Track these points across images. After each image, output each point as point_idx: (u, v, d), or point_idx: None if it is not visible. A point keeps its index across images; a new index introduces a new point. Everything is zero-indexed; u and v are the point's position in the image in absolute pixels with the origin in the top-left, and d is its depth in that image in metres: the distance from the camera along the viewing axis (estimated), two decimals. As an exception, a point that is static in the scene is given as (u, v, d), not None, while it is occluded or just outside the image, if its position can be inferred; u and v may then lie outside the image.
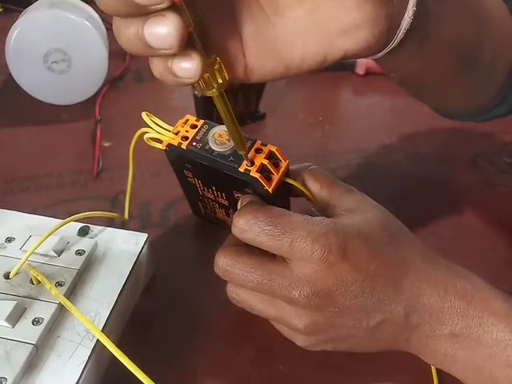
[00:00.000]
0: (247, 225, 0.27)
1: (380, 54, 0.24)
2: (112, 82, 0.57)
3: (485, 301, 0.27)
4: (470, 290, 0.27)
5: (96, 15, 0.56)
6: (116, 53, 0.60)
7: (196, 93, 0.50)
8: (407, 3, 0.23)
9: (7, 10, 0.73)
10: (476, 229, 0.43)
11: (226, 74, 0.22)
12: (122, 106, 0.54)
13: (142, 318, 0.34)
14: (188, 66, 0.20)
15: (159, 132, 0.31)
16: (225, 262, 0.28)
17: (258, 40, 0.23)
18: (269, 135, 0.52)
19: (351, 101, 0.61)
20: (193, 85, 0.22)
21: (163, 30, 0.18)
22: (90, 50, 0.52)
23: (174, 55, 0.20)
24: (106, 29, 0.57)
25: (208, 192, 0.35)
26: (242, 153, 0.28)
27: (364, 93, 0.61)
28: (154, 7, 0.18)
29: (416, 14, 0.23)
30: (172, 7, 0.18)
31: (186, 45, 0.19)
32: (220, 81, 0.22)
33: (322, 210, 0.31)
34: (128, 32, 0.19)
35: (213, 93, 0.23)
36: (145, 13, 0.18)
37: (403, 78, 0.32)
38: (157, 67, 0.21)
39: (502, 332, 0.26)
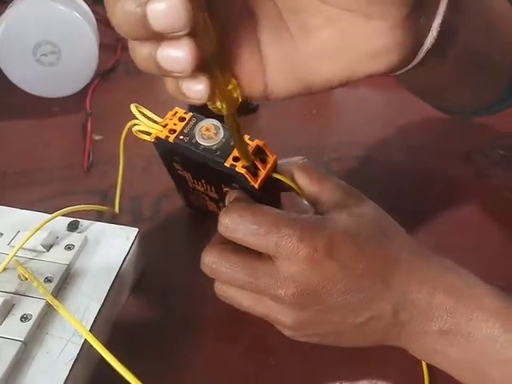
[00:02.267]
0: (233, 224, 0.27)
1: (398, 72, 0.24)
2: (103, 75, 0.56)
3: (475, 297, 0.27)
4: (461, 286, 0.27)
5: (86, 7, 0.56)
6: (107, 45, 0.59)
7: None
8: (432, 23, 0.22)
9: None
10: (471, 222, 0.43)
11: (239, 95, 0.22)
12: (113, 99, 0.53)
13: (133, 314, 0.34)
14: (196, 89, 0.20)
15: (147, 125, 0.31)
16: (211, 261, 0.28)
17: (280, 60, 0.22)
18: (262, 128, 0.52)
19: (345, 94, 0.60)
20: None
21: (177, 54, 0.18)
22: (80, 42, 0.51)
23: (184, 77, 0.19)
24: (97, 20, 0.56)
25: (198, 185, 0.35)
26: (247, 164, 0.28)
27: (358, 85, 0.61)
28: (172, 34, 0.17)
29: (439, 33, 0.22)
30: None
31: (200, 66, 0.19)
32: (233, 102, 0.22)
33: (312, 204, 0.31)
34: (142, 53, 0.19)
35: (223, 112, 0.22)
36: (162, 38, 0.18)
37: (414, 86, 0.32)
38: (169, 85, 0.21)
39: (491, 328, 0.26)
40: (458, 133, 0.52)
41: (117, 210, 0.39)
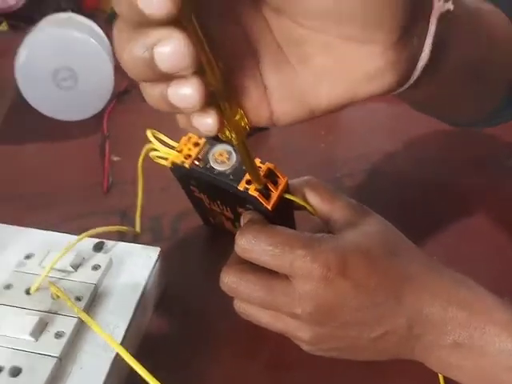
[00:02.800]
0: (249, 245, 0.28)
1: (397, 91, 0.25)
2: (119, 96, 0.58)
3: (487, 311, 0.28)
4: (472, 299, 0.28)
5: (100, 31, 0.58)
6: (121, 67, 0.61)
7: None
8: (425, 40, 0.23)
9: (12, 26, 0.75)
10: (482, 232, 0.43)
11: (246, 124, 0.24)
12: (129, 120, 0.55)
13: (157, 330, 0.35)
14: (207, 122, 0.21)
15: (164, 151, 0.33)
16: (230, 280, 0.30)
17: (283, 89, 0.23)
18: (274, 145, 0.53)
19: (353, 108, 0.61)
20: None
21: (186, 92, 0.19)
22: (96, 66, 0.53)
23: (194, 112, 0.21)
24: (110, 42, 0.58)
25: (214, 205, 0.37)
26: (259, 187, 0.30)
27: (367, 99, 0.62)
28: (180, 74, 0.19)
29: (433, 49, 0.23)
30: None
31: (208, 101, 0.20)
32: (241, 130, 0.24)
33: (324, 222, 0.32)
34: (153, 93, 0.20)
35: (232, 141, 0.24)
36: (170, 78, 0.19)
37: (415, 101, 0.33)
38: (181, 120, 0.23)
39: (504, 342, 0.27)
40: (468, 143, 0.52)
41: (138, 229, 0.40)
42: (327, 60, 0.23)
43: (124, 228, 0.39)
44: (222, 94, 0.21)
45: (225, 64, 0.21)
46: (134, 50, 0.18)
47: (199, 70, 0.19)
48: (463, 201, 0.46)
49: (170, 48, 0.18)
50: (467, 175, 0.49)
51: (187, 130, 0.23)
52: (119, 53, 0.20)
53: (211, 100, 0.21)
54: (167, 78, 0.19)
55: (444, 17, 0.24)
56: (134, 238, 0.40)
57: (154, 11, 0.17)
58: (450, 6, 0.23)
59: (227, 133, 0.24)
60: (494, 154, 0.52)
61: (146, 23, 0.18)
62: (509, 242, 0.42)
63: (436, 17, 0.23)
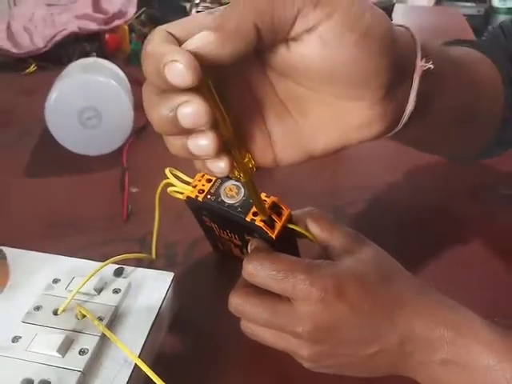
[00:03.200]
0: (255, 270, 0.32)
1: (387, 135, 0.29)
2: (137, 132, 0.62)
3: (473, 332, 0.30)
4: (459, 321, 0.31)
5: (121, 73, 0.63)
6: (140, 105, 0.65)
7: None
8: (409, 95, 0.27)
9: (41, 67, 0.81)
10: (477, 259, 0.45)
11: (253, 165, 0.28)
12: (146, 154, 0.59)
13: (170, 349, 0.38)
14: (220, 166, 0.25)
15: (180, 186, 0.37)
16: (237, 303, 0.33)
17: (285, 137, 0.28)
18: (277, 175, 0.56)
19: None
20: None
21: (203, 143, 0.23)
22: (118, 106, 0.58)
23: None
24: (130, 81, 0.63)
25: (224, 234, 0.40)
26: (264, 218, 0.33)
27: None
28: (198, 128, 0.23)
29: (417, 99, 0.27)
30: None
31: (221, 149, 0.24)
32: (248, 171, 0.28)
33: (324, 249, 0.35)
34: (175, 143, 0.25)
35: (241, 180, 0.28)
36: (190, 132, 0.23)
37: (404, 141, 0.36)
38: (198, 165, 0.27)
39: (486, 359, 0.29)
40: (466, 171, 0.55)
41: (154, 256, 0.44)
42: (323, 114, 0.27)
43: (142, 255, 0.43)
44: (233, 143, 0.26)
45: (236, 119, 0.26)
46: (162, 111, 0.23)
47: (214, 125, 0.23)
48: (459, 228, 0.49)
49: (191, 109, 0.22)
50: (463, 203, 0.51)
51: (203, 172, 0.27)
52: (149, 113, 0.24)
53: (224, 147, 0.25)
54: (187, 132, 0.23)
55: (426, 74, 0.27)
56: (150, 263, 0.44)
57: (179, 82, 0.21)
58: (430, 65, 0.28)
59: (236, 173, 0.28)
60: (488, 182, 0.54)
61: (171, 90, 0.22)
62: (502, 269, 0.44)
63: (418, 75, 0.27)
